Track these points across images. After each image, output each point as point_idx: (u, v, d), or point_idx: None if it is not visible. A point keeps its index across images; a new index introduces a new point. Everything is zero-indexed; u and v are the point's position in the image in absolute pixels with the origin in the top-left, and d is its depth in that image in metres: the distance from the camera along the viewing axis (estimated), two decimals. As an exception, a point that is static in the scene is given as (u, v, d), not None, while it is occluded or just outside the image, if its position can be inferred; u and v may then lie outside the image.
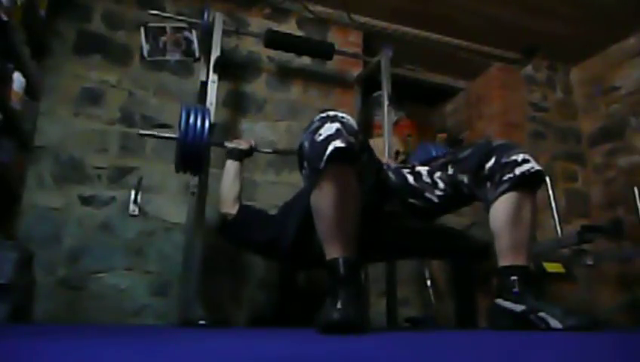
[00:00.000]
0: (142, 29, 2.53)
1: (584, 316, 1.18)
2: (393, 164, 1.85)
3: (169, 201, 2.36)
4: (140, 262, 2.27)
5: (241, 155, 1.97)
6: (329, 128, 1.16)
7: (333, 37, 2.91)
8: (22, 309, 1.85)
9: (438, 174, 1.51)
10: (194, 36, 2.59)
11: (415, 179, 1.54)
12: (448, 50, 3.16)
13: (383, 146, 2.38)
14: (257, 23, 2.77)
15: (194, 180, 2.11)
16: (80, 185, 2.27)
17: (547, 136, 3.27)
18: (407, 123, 3.21)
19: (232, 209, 1.86)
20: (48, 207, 2.20)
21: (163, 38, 2.56)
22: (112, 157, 2.35)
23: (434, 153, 1.87)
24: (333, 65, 2.84)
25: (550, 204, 2.55)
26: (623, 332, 1.48)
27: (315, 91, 2.82)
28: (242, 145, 1.99)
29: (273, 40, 2.49)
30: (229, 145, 1.98)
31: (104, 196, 2.29)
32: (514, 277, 1.28)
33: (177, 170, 1.91)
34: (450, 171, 1.48)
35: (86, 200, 2.26)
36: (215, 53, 2.17)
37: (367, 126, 3.02)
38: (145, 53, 2.52)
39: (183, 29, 2.59)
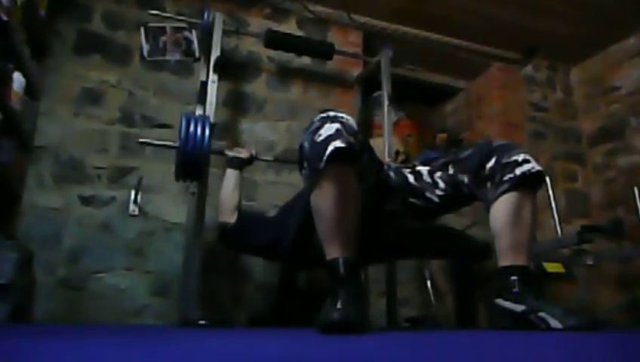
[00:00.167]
0: (142, 29, 2.53)
1: (584, 316, 1.18)
2: (394, 164, 1.85)
3: (169, 201, 2.36)
4: (139, 262, 2.26)
5: (241, 164, 1.94)
6: (329, 128, 1.16)
7: (333, 37, 2.91)
8: (22, 309, 1.85)
9: (438, 174, 1.51)
10: (194, 36, 2.59)
11: (416, 179, 1.54)
12: (448, 50, 3.16)
13: (383, 146, 2.38)
14: (257, 22, 2.77)
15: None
16: (80, 185, 2.27)
17: (547, 136, 3.27)
18: (407, 123, 3.21)
19: (231, 218, 1.83)
20: (48, 207, 2.20)
21: (163, 38, 2.56)
22: (112, 157, 2.35)
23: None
24: (333, 65, 2.84)
25: (550, 204, 2.55)
26: (623, 332, 1.48)
27: (315, 91, 2.82)
28: (242, 153, 1.96)
29: (273, 40, 2.49)
30: (229, 153, 1.96)
31: (104, 196, 2.29)
32: (514, 277, 1.28)
33: (177, 179, 1.90)
34: (451, 171, 1.48)
35: (86, 200, 2.26)
36: (215, 53, 2.17)
37: (367, 126, 3.02)
38: (145, 53, 2.52)
39: (183, 29, 2.59)
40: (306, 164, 1.20)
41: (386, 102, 2.46)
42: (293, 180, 2.49)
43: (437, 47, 3.13)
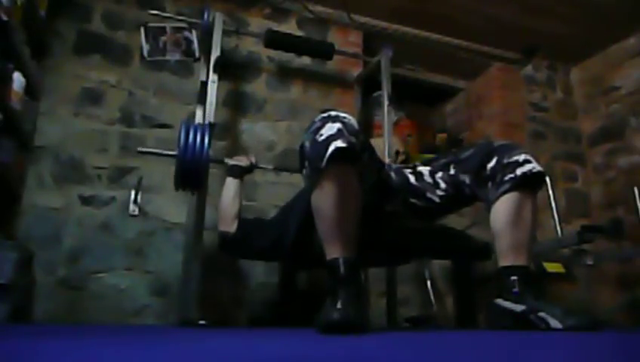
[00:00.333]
0: (142, 29, 2.53)
1: (584, 316, 1.18)
2: (394, 165, 1.85)
3: (169, 201, 2.36)
4: (139, 262, 2.26)
5: (241, 172, 1.91)
6: (330, 128, 1.16)
7: (333, 37, 2.91)
8: (22, 309, 1.85)
9: (439, 174, 1.51)
10: (194, 36, 2.59)
11: (416, 179, 1.54)
12: (448, 50, 3.16)
13: (383, 146, 2.38)
14: (257, 22, 2.77)
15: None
16: (80, 185, 2.27)
17: (547, 136, 3.27)
18: (407, 123, 3.21)
19: (231, 227, 1.79)
20: (48, 207, 2.20)
21: (163, 38, 2.56)
22: (112, 157, 2.35)
23: None
24: (333, 65, 2.84)
25: (550, 204, 2.55)
26: (623, 332, 1.48)
27: (315, 91, 2.82)
28: (242, 162, 1.93)
29: (273, 40, 2.49)
30: (229, 162, 1.93)
31: (104, 196, 2.29)
32: (514, 277, 1.28)
33: (177, 188, 1.87)
34: (452, 171, 1.48)
35: (86, 200, 2.26)
36: (215, 53, 2.17)
37: (367, 126, 3.02)
38: (145, 53, 2.52)
39: (183, 29, 2.59)
40: (306, 164, 1.20)
41: (386, 102, 2.46)
42: (294, 180, 2.49)
43: (437, 47, 3.13)
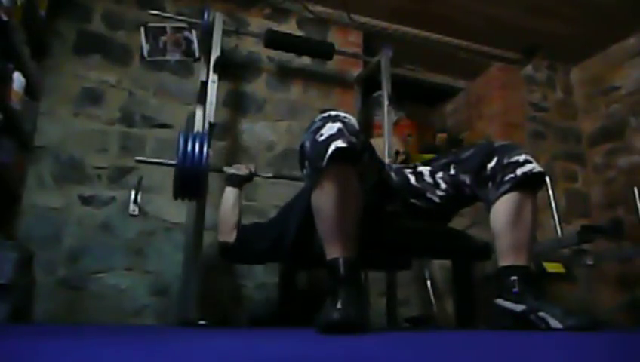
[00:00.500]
0: (142, 29, 2.53)
1: (584, 316, 1.18)
2: (395, 165, 1.85)
3: (169, 201, 2.34)
4: (139, 262, 2.26)
5: (240, 181, 1.89)
6: (330, 128, 1.16)
7: (333, 37, 2.91)
8: (22, 309, 1.85)
9: (439, 174, 1.51)
10: (194, 36, 2.59)
11: (417, 180, 1.54)
12: (448, 50, 3.16)
13: (383, 146, 2.38)
14: (257, 22, 2.77)
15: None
16: (80, 185, 2.27)
17: (547, 136, 3.27)
18: (407, 123, 3.21)
19: (230, 237, 1.78)
20: (48, 206, 2.20)
21: (163, 38, 2.56)
22: (112, 157, 2.35)
23: None
24: (333, 65, 2.84)
25: (550, 204, 2.55)
26: (623, 332, 1.48)
27: (315, 91, 2.82)
28: (241, 170, 1.91)
29: (273, 40, 2.49)
30: (228, 170, 1.92)
31: (104, 196, 2.29)
32: (514, 277, 1.28)
33: (175, 197, 1.85)
34: (452, 171, 1.48)
35: (86, 200, 2.26)
36: (215, 53, 2.17)
37: (367, 126, 3.02)
38: (145, 53, 2.52)
39: (183, 29, 2.59)
40: (307, 164, 1.20)
41: (386, 102, 2.46)
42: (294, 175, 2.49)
43: (437, 47, 3.13)
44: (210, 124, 2.03)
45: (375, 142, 2.31)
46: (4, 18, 1.72)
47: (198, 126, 2.21)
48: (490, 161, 1.38)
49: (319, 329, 1.03)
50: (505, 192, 1.33)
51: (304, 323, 1.62)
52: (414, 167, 1.59)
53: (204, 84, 2.22)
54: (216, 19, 2.24)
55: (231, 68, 2.61)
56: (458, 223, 2.56)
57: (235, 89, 2.66)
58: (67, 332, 1.19)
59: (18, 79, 1.93)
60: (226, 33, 2.32)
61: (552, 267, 2.65)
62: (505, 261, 1.32)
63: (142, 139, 2.41)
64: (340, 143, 1.13)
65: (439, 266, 2.84)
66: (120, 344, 0.79)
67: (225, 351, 0.69)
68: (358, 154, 1.21)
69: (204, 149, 1.78)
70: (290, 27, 2.83)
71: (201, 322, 1.77)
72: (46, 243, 2.14)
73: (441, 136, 3.44)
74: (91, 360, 0.56)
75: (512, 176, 1.33)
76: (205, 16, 2.26)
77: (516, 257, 1.31)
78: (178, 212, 2.34)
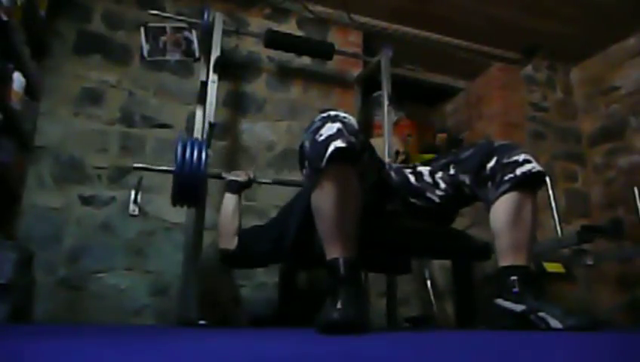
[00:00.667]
0: (142, 29, 2.53)
1: (584, 316, 1.18)
2: (395, 164, 1.85)
3: (169, 201, 2.35)
4: (139, 262, 2.26)
5: (239, 188, 1.88)
6: (330, 128, 1.16)
7: (333, 37, 2.91)
8: (22, 309, 1.85)
9: (439, 174, 1.51)
10: (194, 36, 2.59)
11: (416, 179, 1.54)
12: (448, 50, 3.16)
13: (383, 146, 2.38)
14: (257, 23, 2.77)
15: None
16: (80, 185, 2.27)
17: (547, 136, 3.27)
18: (407, 123, 3.21)
19: (231, 244, 1.77)
20: (48, 206, 2.20)
21: (163, 38, 2.56)
22: (112, 157, 2.35)
23: None
24: (333, 65, 2.84)
25: (550, 204, 2.55)
26: (623, 332, 1.48)
27: (315, 91, 2.82)
28: (240, 177, 1.91)
29: (273, 40, 2.49)
30: (227, 177, 1.91)
31: (104, 196, 2.29)
32: (514, 277, 1.28)
33: (174, 204, 1.84)
34: (452, 171, 1.48)
35: (86, 200, 2.26)
36: (215, 53, 2.17)
37: (367, 126, 3.02)
38: (145, 53, 2.52)
39: (183, 29, 2.59)
40: (306, 164, 1.20)
41: (386, 102, 2.46)
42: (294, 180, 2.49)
43: (437, 47, 3.13)
44: (210, 124, 2.03)
45: (375, 142, 2.31)
46: (4, 18, 1.72)
47: (198, 126, 2.21)
48: (489, 160, 1.38)
49: (319, 329, 1.03)
50: (504, 192, 1.33)
51: (304, 323, 1.62)
52: (414, 167, 1.59)
53: (204, 84, 2.22)
54: (216, 19, 2.24)
55: (231, 68, 2.61)
56: (458, 223, 2.56)
57: (235, 89, 2.66)
58: (67, 332, 1.19)
59: (18, 79, 1.93)
60: (226, 33, 2.32)
61: (552, 267, 2.65)
62: (505, 261, 1.32)
63: (142, 139, 2.41)
64: (339, 143, 1.13)
65: (439, 266, 2.84)
66: (120, 344, 0.79)
67: (225, 351, 0.69)
68: (357, 154, 1.21)
69: (203, 156, 1.77)
70: (290, 27, 2.83)
71: (201, 322, 1.77)
72: (46, 243, 2.14)
73: (441, 136, 3.44)
74: (91, 360, 0.56)
75: (511, 175, 1.33)
76: (205, 16, 2.26)
77: (516, 257, 1.30)
78: (178, 212, 2.33)
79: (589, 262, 2.47)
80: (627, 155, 3.06)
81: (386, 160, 2.32)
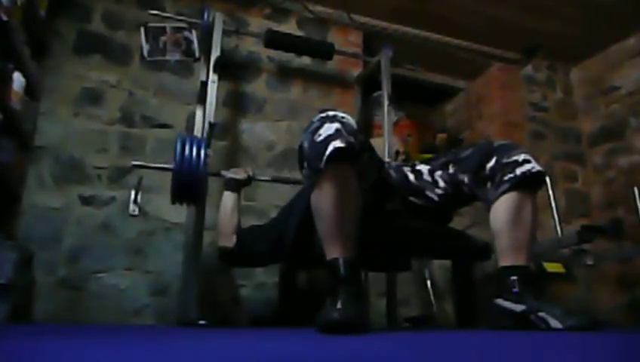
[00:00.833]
0: (142, 29, 2.53)
1: (584, 316, 1.18)
2: (394, 163, 1.85)
3: (169, 201, 2.35)
4: (139, 262, 2.26)
5: (238, 185, 1.88)
6: (329, 128, 1.16)
7: (333, 37, 2.91)
8: (22, 309, 1.85)
9: (438, 173, 1.50)
10: (194, 36, 2.59)
11: (416, 178, 1.53)
12: (448, 50, 3.16)
13: (383, 146, 2.38)
14: (257, 23, 2.77)
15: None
16: (80, 185, 2.27)
17: (547, 136, 3.27)
18: (407, 123, 3.20)
19: (230, 242, 1.77)
20: (48, 207, 2.20)
21: (163, 38, 2.56)
22: (112, 157, 2.35)
23: None
24: (333, 65, 2.84)
25: (550, 204, 2.55)
26: (623, 332, 1.48)
27: (315, 91, 2.82)
28: (239, 174, 1.90)
29: (273, 40, 2.49)
30: (226, 175, 1.90)
31: (104, 196, 2.29)
32: (514, 277, 1.28)
33: (173, 202, 1.84)
34: (451, 170, 1.48)
35: (86, 200, 2.26)
36: (215, 53, 2.17)
37: (367, 126, 3.02)
38: (145, 53, 2.52)
39: (183, 29, 2.59)
40: (305, 164, 1.20)
41: (386, 102, 2.46)
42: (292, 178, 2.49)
43: (437, 47, 3.13)
44: (210, 124, 2.03)
45: (375, 142, 2.31)
46: (4, 18, 1.72)
47: (198, 126, 2.21)
48: (489, 160, 1.38)
49: (319, 329, 1.03)
50: (504, 192, 1.33)
51: (304, 323, 1.62)
52: (413, 165, 1.58)
53: (204, 84, 2.22)
54: (216, 19, 2.24)
55: (231, 68, 2.61)
56: (458, 223, 2.56)
57: (235, 89, 2.66)
58: (67, 332, 1.19)
59: (18, 79, 1.93)
60: (226, 33, 2.32)
61: (552, 267, 2.65)
62: (505, 261, 1.32)
63: (142, 139, 2.41)
64: (338, 143, 1.13)
65: (439, 266, 2.84)
66: (120, 344, 0.79)
67: (225, 351, 0.69)
68: (356, 154, 1.21)
69: (202, 153, 1.76)
70: (290, 27, 2.83)
71: (201, 322, 1.77)
72: (46, 243, 2.14)
73: (441, 136, 3.44)
74: (91, 360, 0.56)
75: (511, 175, 1.33)
76: (205, 16, 2.26)
77: (516, 257, 1.30)
78: (178, 212, 2.33)
79: (589, 262, 2.47)
80: (627, 155, 3.06)
81: (386, 160, 2.32)
